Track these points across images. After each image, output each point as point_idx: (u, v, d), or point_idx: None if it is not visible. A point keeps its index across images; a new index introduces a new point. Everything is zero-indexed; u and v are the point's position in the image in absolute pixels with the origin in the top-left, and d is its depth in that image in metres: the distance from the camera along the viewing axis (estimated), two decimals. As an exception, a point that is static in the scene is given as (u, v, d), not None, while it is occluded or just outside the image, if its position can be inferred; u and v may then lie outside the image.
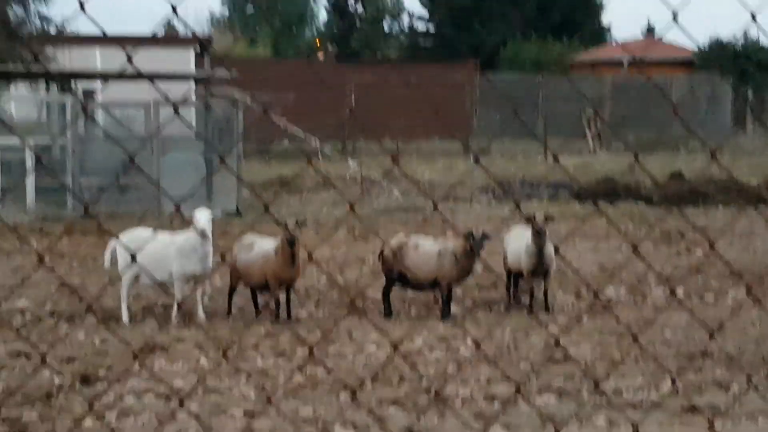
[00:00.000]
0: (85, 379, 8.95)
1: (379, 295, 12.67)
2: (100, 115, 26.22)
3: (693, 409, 8.00)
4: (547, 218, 12.36)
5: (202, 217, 11.85)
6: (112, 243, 12.37)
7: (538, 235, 12.10)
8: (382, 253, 12.37)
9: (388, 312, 12.17)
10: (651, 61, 51.81)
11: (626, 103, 44.08)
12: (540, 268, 12.26)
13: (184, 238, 12.01)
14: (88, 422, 7.66)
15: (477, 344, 9.32)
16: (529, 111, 43.61)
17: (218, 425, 7.57)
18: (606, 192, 24.15)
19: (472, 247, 11.75)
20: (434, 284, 12.05)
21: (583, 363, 9.54)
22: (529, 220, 12.41)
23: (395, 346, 9.38)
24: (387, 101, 39.89)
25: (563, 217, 21.07)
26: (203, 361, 9.73)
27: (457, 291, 12.79)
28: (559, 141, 36.85)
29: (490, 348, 10.18)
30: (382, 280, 12.63)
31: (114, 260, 12.20)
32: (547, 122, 39.10)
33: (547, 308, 12.42)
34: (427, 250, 12.07)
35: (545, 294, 12.49)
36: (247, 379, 8.98)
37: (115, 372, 9.27)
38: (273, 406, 8.12)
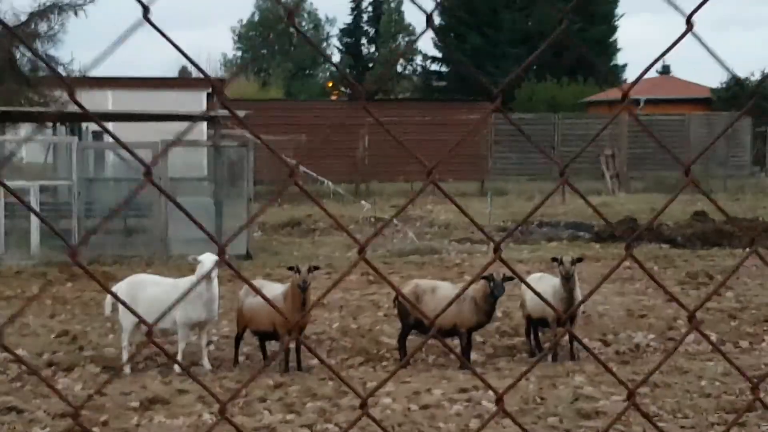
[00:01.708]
0: (78, 437, 8.26)
1: (394, 342, 12.00)
2: (108, 157, 25.73)
3: (742, 470, 7.25)
4: (577, 260, 11.68)
5: (207, 260, 11.22)
6: (113, 288, 11.77)
7: (567, 280, 11.43)
8: (397, 297, 11.71)
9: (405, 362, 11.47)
10: (667, 99, 51.26)
11: (643, 143, 43.43)
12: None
13: (188, 283, 11.39)
14: None
15: (498, 398, 8.54)
16: (545, 152, 42.98)
17: (219, 490, 6.87)
18: (628, 233, 23.41)
19: (493, 291, 11.08)
20: (453, 331, 11.36)
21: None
22: (556, 261, 11.74)
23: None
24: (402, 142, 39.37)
25: (585, 259, 20.38)
26: (206, 416, 9.04)
27: (477, 337, 12.09)
28: (576, 181, 36.19)
29: (515, 401, 9.45)
30: (398, 326, 11.95)
31: (115, 307, 11.58)
32: (564, 162, 38.39)
33: (572, 356, 11.70)
34: (445, 294, 11.39)
35: (571, 340, 11.79)
36: (253, 438, 8.29)
37: (111, 429, 8.58)
38: (279, 468, 7.42)
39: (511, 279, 11.38)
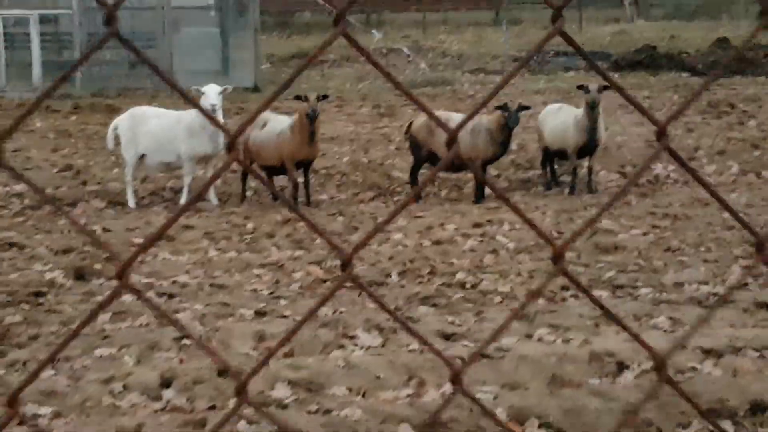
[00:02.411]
0: (80, 274, 8.01)
1: (406, 176, 11.64)
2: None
3: (767, 305, 6.96)
4: (604, 88, 11.13)
5: (211, 91, 10.75)
6: (115, 122, 11.36)
7: (593, 109, 10.92)
8: (409, 129, 11.27)
9: (416, 195, 11.12)
10: None
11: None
12: (590, 145, 11.13)
13: (193, 115, 10.96)
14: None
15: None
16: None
17: (225, 329, 6.62)
18: (646, 62, 22.72)
19: (507, 121, 10.62)
20: (466, 165, 10.96)
21: (637, 252, 8.48)
22: (582, 88, 11.20)
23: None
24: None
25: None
26: (212, 252, 8.76)
27: (491, 170, 11.71)
28: (594, 9, 35.05)
29: (530, 236, 9.13)
30: (410, 160, 11.57)
31: (118, 140, 11.21)
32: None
33: (591, 189, 11.34)
34: (459, 126, 10.95)
35: (590, 173, 11.40)
36: (260, 275, 8.01)
37: (113, 265, 8.31)
38: (287, 306, 7.16)
39: (526, 108, 10.92)
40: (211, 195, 11.04)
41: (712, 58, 22.40)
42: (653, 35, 27.65)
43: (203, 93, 10.73)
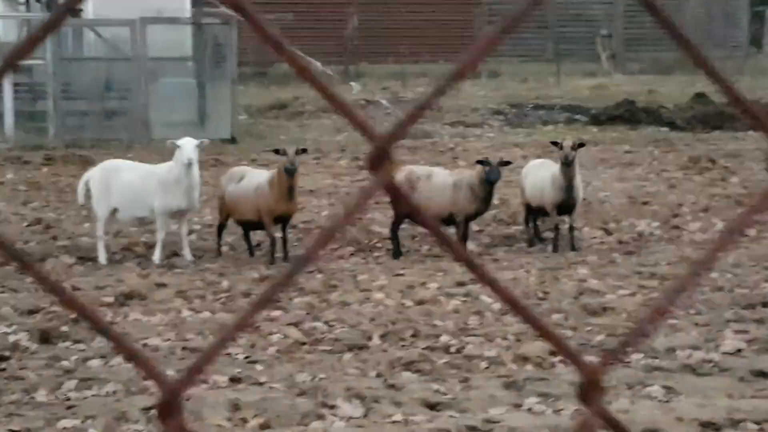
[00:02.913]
0: (45, 337, 7.65)
1: (386, 232, 11.37)
2: (87, 36, 24.63)
3: (764, 374, 6.69)
4: (579, 145, 10.95)
5: (188, 145, 10.48)
6: (86, 175, 11.06)
7: (567, 166, 10.73)
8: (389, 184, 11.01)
9: (397, 252, 10.84)
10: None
11: (640, 23, 42.25)
12: (567, 202, 10.91)
13: (167, 168, 10.68)
14: (41, 393, 6.36)
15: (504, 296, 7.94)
16: (538, 32, 41.81)
17: (197, 397, 6.27)
18: (625, 116, 22.65)
19: (488, 175, 10.37)
20: (449, 220, 10.71)
21: (626, 314, 8.21)
22: (556, 144, 11.01)
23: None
24: (392, 22, 38.14)
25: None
26: (185, 312, 8.42)
27: (473, 226, 11.46)
28: (571, 63, 35.16)
29: (515, 296, 8.84)
30: (390, 214, 11.30)
31: (89, 194, 10.89)
32: (558, 43, 37.37)
33: (573, 247, 11.09)
34: (441, 181, 10.71)
35: (571, 230, 11.17)
36: (235, 337, 7.66)
37: (82, 327, 7.95)
38: (263, 372, 6.83)
39: (507, 164, 10.71)
40: (185, 251, 10.72)
41: (690, 113, 22.36)
42: (631, 89, 27.66)
43: (179, 147, 10.46)
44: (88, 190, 10.88)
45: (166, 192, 10.54)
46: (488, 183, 10.48)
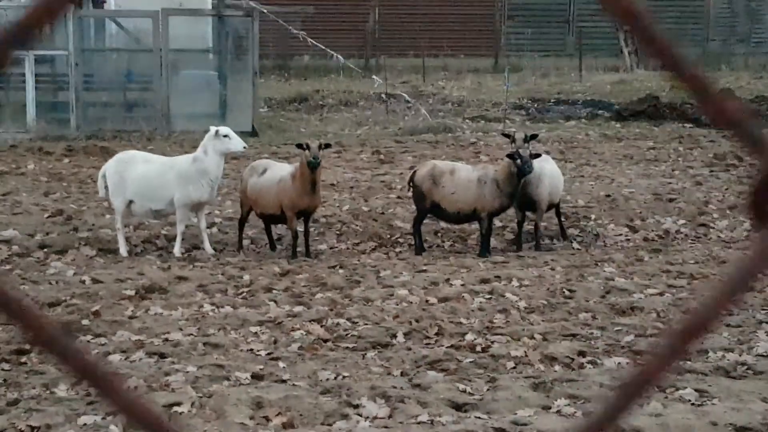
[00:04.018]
0: (66, 330, 7.53)
1: (408, 227, 11.24)
2: (109, 27, 24.57)
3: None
4: (531, 137, 10.68)
5: (236, 135, 10.48)
6: (104, 167, 10.98)
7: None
8: (412, 179, 10.88)
9: (420, 248, 10.71)
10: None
11: (663, 16, 41.87)
12: (523, 199, 10.62)
13: (185, 161, 10.60)
14: (61, 389, 6.26)
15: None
16: (560, 27, 41.49)
17: (219, 394, 6.16)
18: (649, 111, 22.42)
19: (521, 168, 10.14)
20: (473, 216, 10.57)
21: (655, 314, 8.05)
22: (508, 137, 10.61)
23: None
24: (413, 16, 37.94)
25: (606, 139, 19.51)
26: (207, 307, 8.31)
27: (496, 222, 11.31)
28: (593, 58, 34.87)
29: (541, 293, 8.71)
30: (411, 209, 11.17)
31: (108, 187, 10.81)
32: (580, 38, 37.07)
33: (537, 246, 10.83)
34: (465, 176, 10.56)
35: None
36: (257, 333, 7.56)
37: (102, 321, 7.86)
38: (286, 369, 6.70)
39: (538, 156, 10.48)
40: (206, 244, 10.63)
41: (716, 109, 22.07)
42: (654, 85, 27.39)
43: (226, 136, 10.40)
44: (105, 184, 10.80)
45: (187, 183, 10.45)
46: (521, 176, 10.24)
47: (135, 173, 10.56)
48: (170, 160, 10.95)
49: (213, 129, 10.59)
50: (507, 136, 10.64)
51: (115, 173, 10.63)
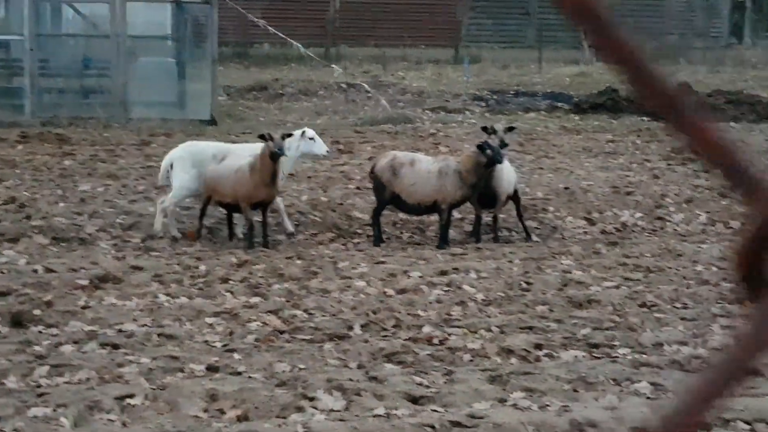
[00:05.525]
0: (17, 321, 7.42)
1: (367, 217, 11.19)
2: (65, 12, 24.24)
3: (755, 371, 6.55)
4: (508, 129, 10.60)
5: (315, 136, 11.06)
6: (171, 155, 11.02)
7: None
8: (373, 170, 10.82)
9: (378, 239, 10.67)
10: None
11: (622, 10, 42.09)
12: (483, 192, 10.60)
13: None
14: (11, 380, 6.14)
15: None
16: (520, 19, 41.59)
17: (173, 386, 6.08)
18: (608, 104, 22.53)
19: (493, 158, 10.06)
20: (433, 207, 10.53)
21: (612, 307, 8.07)
22: (486, 130, 10.55)
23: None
24: (373, 5, 37.84)
25: (565, 131, 19.58)
26: (162, 297, 8.21)
27: (455, 213, 11.28)
28: (553, 50, 34.98)
29: (499, 285, 8.70)
30: (370, 200, 11.12)
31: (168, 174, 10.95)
32: (541, 30, 37.20)
33: (495, 238, 10.84)
34: (425, 168, 10.52)
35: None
36: (213, 324, 7.48)
37: (55, 311, 7.74)
38: (241, 361, 6.63)
39: (505, 146, 10.39)
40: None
41: (673, 102, 22.20)
42: (614, 77, 27.50)
43: (312, 139, 10.85)
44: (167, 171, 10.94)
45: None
46: (491, 165, 10.17)
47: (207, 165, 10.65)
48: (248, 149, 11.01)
49: (300, 130, 10.97)
50: (486, 129, 10.58)
51: (192, 165, 10.70)
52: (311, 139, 10.89)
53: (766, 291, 0.84)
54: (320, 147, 10.96)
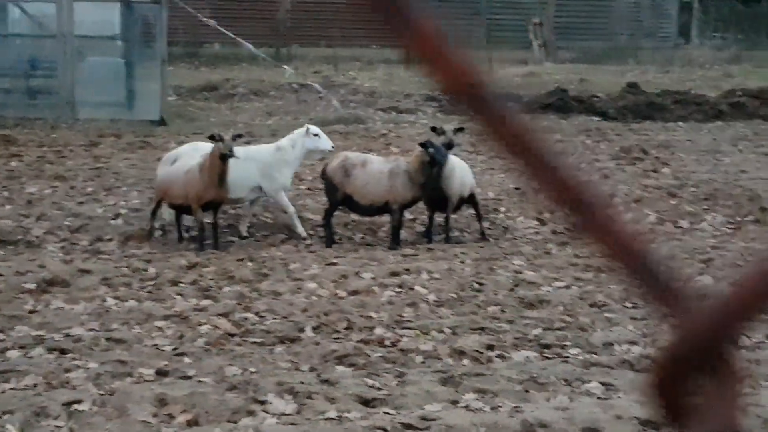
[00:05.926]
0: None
1: (318, 219, 11.15)
2: (12, 12, 23.89)
3: (702, 369, 6.62)
4: (458, 130, 10.53)
5: (320, 132, 11.07)
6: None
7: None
8: (324, 171, 10.78)
9: (330, 240, 10.63)
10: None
11: (571, 12, 42.44)
12: (433, 194, 10.57)
13: (269, 150, 11.11)
14: (-44, 388, 6.03)
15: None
16: (469, 19, 41.75)
17: (122, 391, 6.00)
18: (557, 104, 22.66)
19: (434, 157, 10.06)
20: (384, 208, 10.52)
21: (562, 307, 8.11)
22: (435, 130, 10.50)
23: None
24: (324, 5, 37.76)
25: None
26: (110, 301, 8.11)
27: (406, 214, 11.27)
28: (502, 50, 35.13)
29: (451, 286, 8.70)
30: (322, 201, 11.07)
31: None
32: (490, 30, 37.40)
33: (447, 238, 10.84)
34: (376, 168, 10.50)
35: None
36: (162, 327, 7.39)
37: (1, 315, 7.61)
38: (191, 365, 6.57)
39: (451, 147, 10.36)
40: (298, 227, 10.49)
41: (622, 102, 22.45)
42: (562, 78, 27.75)
43: (317, 135, 10.82)
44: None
45: (272, 172, 10.76)
46: (434, 165, 10.14)
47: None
48: (255, 151, 11.09)
49: (305, 126, 11.00)
50: (435, 129, 10.53)
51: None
52: (315, 135, 10.87)
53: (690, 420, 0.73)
54: (325, 142, 10.95)
